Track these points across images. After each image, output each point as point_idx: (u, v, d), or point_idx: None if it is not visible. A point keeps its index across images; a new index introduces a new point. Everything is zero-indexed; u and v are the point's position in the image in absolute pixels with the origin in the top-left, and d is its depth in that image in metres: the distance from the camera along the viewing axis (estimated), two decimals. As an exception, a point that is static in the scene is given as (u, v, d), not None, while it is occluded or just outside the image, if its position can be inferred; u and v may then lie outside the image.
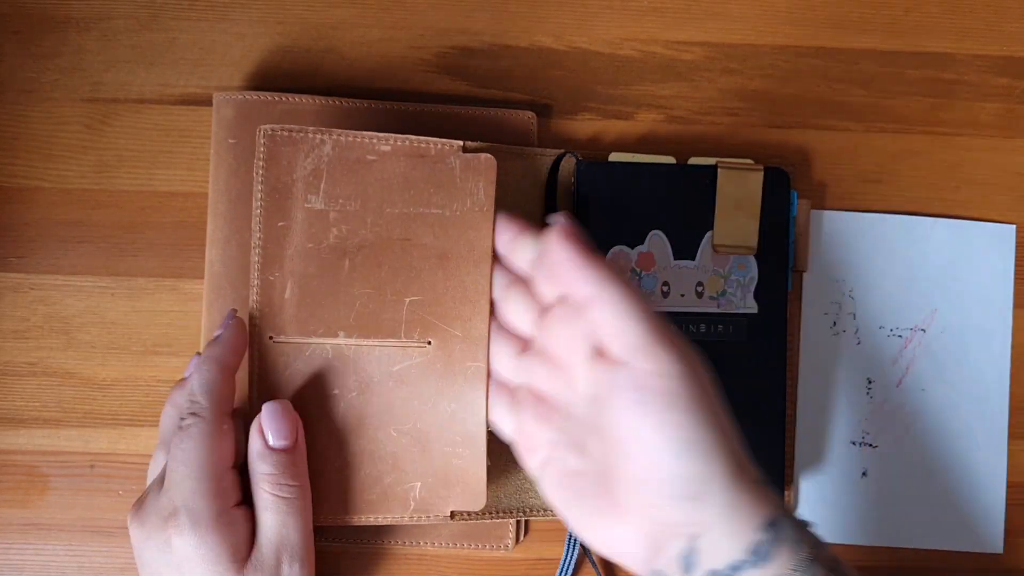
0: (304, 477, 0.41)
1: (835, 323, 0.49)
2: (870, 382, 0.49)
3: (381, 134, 0.44)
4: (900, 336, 0.49)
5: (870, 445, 0.48)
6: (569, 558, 0.46)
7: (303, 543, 0.40)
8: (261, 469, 0.40)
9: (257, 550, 0.39)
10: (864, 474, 0.48)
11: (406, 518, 0.43)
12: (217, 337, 0.42)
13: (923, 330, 0.49)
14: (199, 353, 0.43)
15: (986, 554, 0.49)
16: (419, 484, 0.43)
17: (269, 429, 0.41)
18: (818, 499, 0.48)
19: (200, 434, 0.39)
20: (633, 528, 0.36)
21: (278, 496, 0.40)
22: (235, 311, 0.43)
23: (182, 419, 0.39)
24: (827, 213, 0.49)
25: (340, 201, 0.43)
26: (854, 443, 0.48)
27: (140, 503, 0.40)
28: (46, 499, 0.47)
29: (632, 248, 0.46)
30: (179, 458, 0.39)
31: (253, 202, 0.43)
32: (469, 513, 0.45)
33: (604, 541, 0.37)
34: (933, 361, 0.49)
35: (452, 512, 0.44)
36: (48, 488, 0.47)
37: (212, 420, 0.39)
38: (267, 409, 0.41)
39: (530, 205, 0.47)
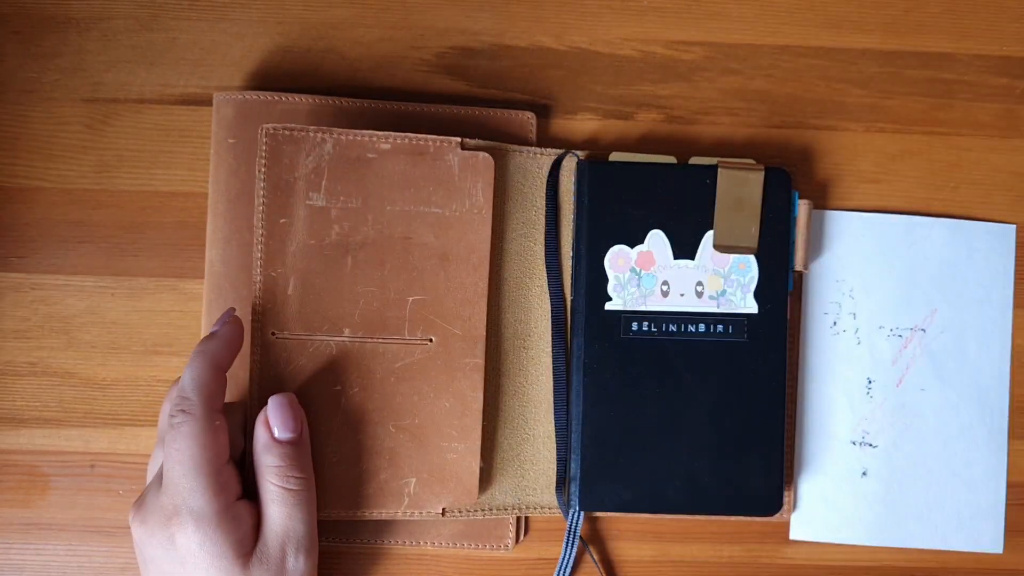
0: (309, 469, 0.41)
1: (835, 323, 0.49)
2: (870, 382, 0.49)
3: (381, 132, 0.44)
4: (900, 336, 0.49)
5: (870, 445, 0.48)
6: (567, 557, 0.46)
7: (308, 535, 0.40)
8: (267, 461, 0.40)
9: (262, 543, 0.40)
10: (864, 474, 0.48)
11: (399, 513, 0.44)
12: (213, 333, 0.42)
13: (923, 330, 0.49)
14: None
15: (986, 554, 0.49)
16: (414, 480, 0.44)
17: (275, 421, 0.41)
18: (818, 499, 0.48)
19: (192, 432, 0.39)
20: None
21: (284, 488, 0.40)
22: (234, 309, 0.43)
23: (172, 416, 0.39)
24: (827, 213, 0.49)
25: (341, 198, 0.44)
26: (854, 443, 0.48)
27: (141, 501, 0.40)
28: (47, 499, 0.47)
29: (632, 247, 0.46)
30: (174, 458, 0.39)
31: (255, 200, 0.43)
32: (460, 510, 0.45)
33: None
34: (933, 361, 0.49)
35: (443, 509, 0.44)
36: (49, 488, 0.47)
37: (203, 417, 0.39)
38: (273, 402, 0.41)
39: (531, 206, 0.47)
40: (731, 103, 0.49)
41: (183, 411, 0.39)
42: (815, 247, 0.49)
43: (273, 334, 0.43)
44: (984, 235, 0.49)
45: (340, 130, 0.44)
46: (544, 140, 0.48)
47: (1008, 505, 0.49)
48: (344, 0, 0.48)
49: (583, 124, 0.49)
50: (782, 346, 0.46)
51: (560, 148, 0.48)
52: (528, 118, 0.48)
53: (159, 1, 0.48)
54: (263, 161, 0.43)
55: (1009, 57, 0.50)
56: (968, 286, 0.49)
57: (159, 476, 0.40)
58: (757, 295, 0.46)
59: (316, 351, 0.44)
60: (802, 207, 0.47)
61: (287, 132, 0.43)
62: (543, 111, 0.49)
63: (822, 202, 0.49)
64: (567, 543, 0.46)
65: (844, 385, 0.49)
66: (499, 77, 0.49)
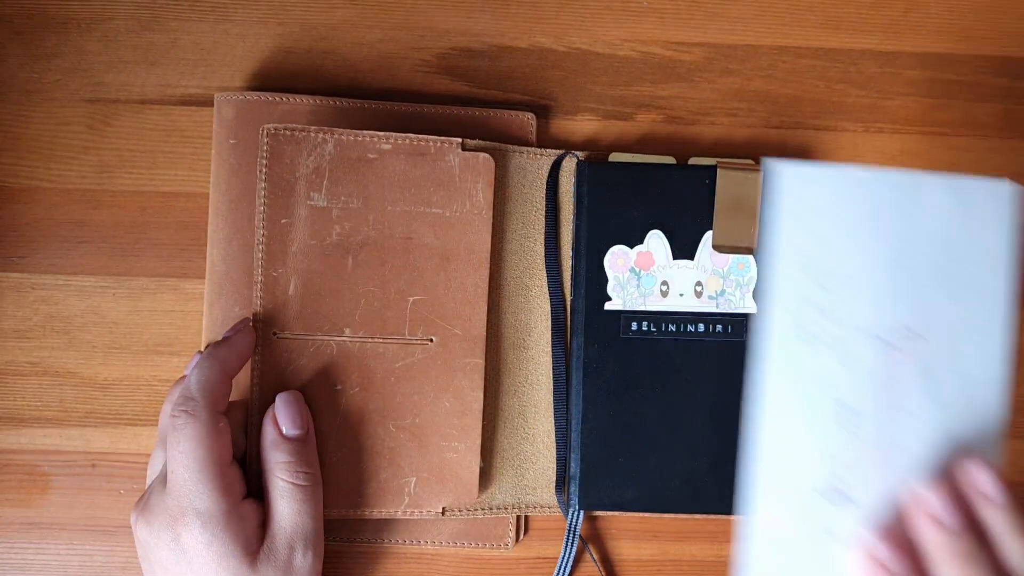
0: (316, 465, 0.42)
1: (797, 323, 0.36)
2: (842, 405, 0.36)
3: (382, 132, 0.44)
4: (883, 340, 0.36)
5: (846, 497, 0.36)
6: (567, 556, 0.46)
7: (316, 531, 0.41)
8: (276, 457, 0.41)
9: (269, 540, 0.40)
10: (836, 538, 0.36)
11: (400, 512, 0.44)
12: (226, 338, 0.42)
13: (908, 329, 0.36)
14: (200, 351, 0.43)
15: None
16: (414, 479, 0.44)
17: (283, 418, 0.42)
18: (779, 557, 0.36)
19: (196, 434, 0.39)
20: None
21: (294, 484, 0.40)
22: (249, 320, 0.43)
23: (175, 417, 0.39)
24: (784, 169, 0.36)
25: (342, 199, 0.44)
26: (822, 494, 0.36)
27: (144, 502, 0.40)
28: (48, 498, 0.47)
29: (631, 248, 0.46)
30: (178, 459, 0.39)
31: (256, 200, 0.44)
32: (460, 509, 0.46)
33: None
34: (927, 375, 0.36)
35: (443, 508, 0.44)
36: (50, 487, 0.47)
37: (206, 419, 0.39)
38: (281, 399, 0.42)
39: (531, 206, 0.48)
40: (730, 104, 0.49)
41: (186, 412, 0.39)
42: (770, 226, 0.36)
43: (274, 334, 0.43)
44: (982, 195, 0.37)
45: (341, 130, 0.44)
46: (544, 141, 0.49)
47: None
48: (345, 1, 0.49)
49: (583, 125, 0.49)
50: (782, 346, 0.46)
51: (560, 149, 0.48)
52: (528, 119, 0.48)
53: (160, 2, 0.48)
54: (264, 161, 0.43)
55: (1008, 57, 0.50)
56: (971, 270, 0.37)
57: (162, 476, 0.40)
58: (756, 295, 0.46)
59: (317, 351, 0.44)
60: (802, 207, 0.47)
61: (288, 132, 0.44)
62: (543, 112, 0.49)
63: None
64: (567, 542, 0.47)
65: (809, 411, 0.36)
66: (499, 78, 0.49)
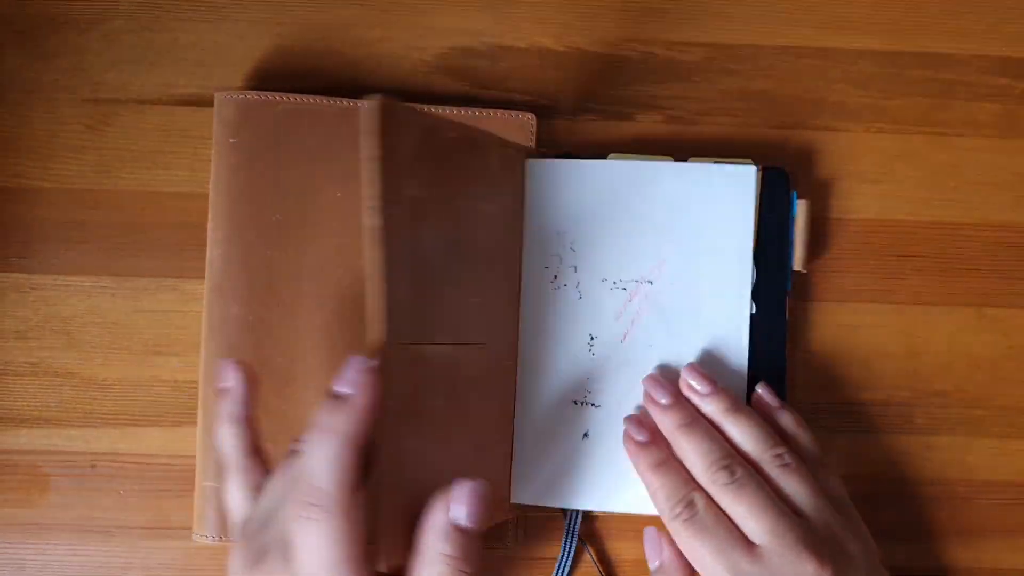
0: (480, 566, 0.37)
1: (556, 277, 0.46)
2: (592, 338, 0.46)
3: (449, 118, 0.44)
4: (624, 289, 0.46)
5: (592, 405, 0.45)
6: (566, 556, 0.46)
7: None
8: (440, 547, 0.36)
9: None
10: (586, 435, 0.45)
11: None
12: (341, 397, 0.36)
13: (650, 282, 0.46)
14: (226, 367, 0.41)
15: None
16: None
17: (466, 508, 0.36)
18: (538, 461, 0.45)
19: (332, 534, 0.34)
20: None
21: None
22: (371, 363, 0.37)
23: (304, 511, 0.34)
24: (545, 162, 0.46)
25: (432, 189, 0.41)
26: (576, 403, 0.45)
27: (255, 557, 0.36)
28: (47, 499, 0.47)
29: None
30: (310, 558, 0.34)
31: (365, 187, 0.37)
32: (492, 516, 0.44)
33: None
34: (661, 315, 0.45)
35: None
36: (49, 488, 0.47)
37: (344, 516, 0.34)
38: (467, 488, 0.36)
39: (530, 205, 0.47)
40: (731, 104, 0.49)
41: (319, 508, 0.34)
42: (534, 198, 0.46)
43: (391, 344, 0.38)
44: (719, 178, 0.46)
45: (426, 112, 0.40)
46: (544, 141, 0.48)
47: (1006, 504, 0.49)
48: (345, 0, 0.48)
49: (583, 124, 0.49)
50: (781, 346, 0.46)
51: (561, 149, 0.48)
52: (528, 119, 0.48)
53: (160, 2, 0.48)
54: (375, 140, 0.37)
55: (1009, 57, 0.50)
56: (702, 233, 0.46)
57: (282, 543, 0.35)
58: (755, 295, 0.46)
59: (415, 360, 0.40)
60: (801, 207, 0.47)
61: (396, 109, 0.38)
62: (543, 112, 0.49)
63: (824, 202, 0.49)
64: (566, 542, 0.46)
65: (565, 342, 0.46)
66: (500, 78, 0.49)
